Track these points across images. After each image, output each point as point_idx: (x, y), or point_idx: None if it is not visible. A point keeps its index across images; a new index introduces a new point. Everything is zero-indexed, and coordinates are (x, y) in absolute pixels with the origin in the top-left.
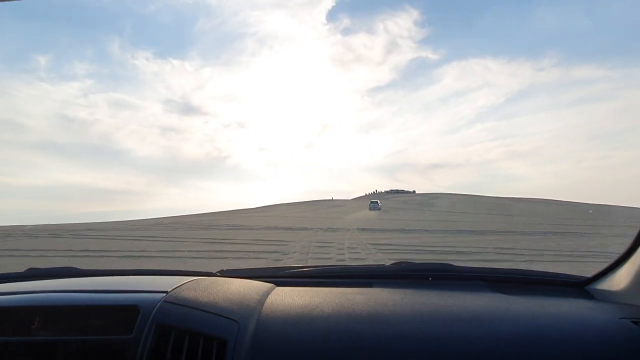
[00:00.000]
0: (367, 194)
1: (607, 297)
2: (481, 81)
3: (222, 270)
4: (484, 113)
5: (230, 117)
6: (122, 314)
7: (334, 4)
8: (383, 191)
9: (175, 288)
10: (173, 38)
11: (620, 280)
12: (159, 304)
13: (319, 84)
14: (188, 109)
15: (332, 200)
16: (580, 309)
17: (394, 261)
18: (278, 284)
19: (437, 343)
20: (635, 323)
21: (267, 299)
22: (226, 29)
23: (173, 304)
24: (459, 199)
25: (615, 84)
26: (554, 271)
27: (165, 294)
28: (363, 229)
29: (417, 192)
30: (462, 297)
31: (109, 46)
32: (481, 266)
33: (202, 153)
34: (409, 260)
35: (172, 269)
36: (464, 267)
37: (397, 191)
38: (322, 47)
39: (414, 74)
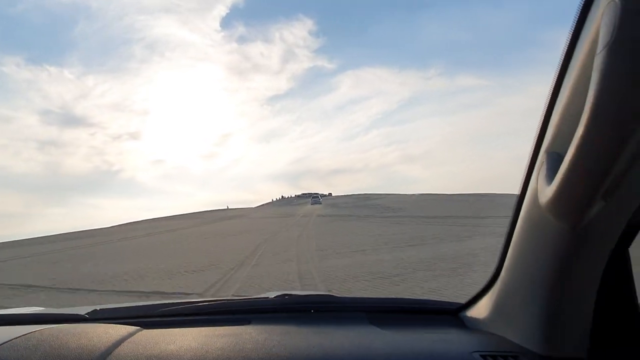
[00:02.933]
0: (275, 199)
1: (476, 325)
2: (375, 89)
3: (94, 311)
4: (379, 119)
5: (120, 128)
6: None
7: (227, 12)
8: (293, 195)
9: None
10: (48, 42)
11: (485, 307)
12: None
13: (217, 93)
14: (70, 120)
15: (227, 209)
16: (445, 341)
17: None
18: (147, 326)
19: None
20: (484, 357)
21: (117, 350)
22: (110, 33)
23: None
24: (399, 199)
25: (491, 91)
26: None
27: None
28: None
29: (332, 194)
30: (343, 333)
31: None
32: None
33: (90, 168)
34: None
35: (44, 310)
36: (346, 297)
37: (310, 194)
38: (217, 54)
39: (311, 83)
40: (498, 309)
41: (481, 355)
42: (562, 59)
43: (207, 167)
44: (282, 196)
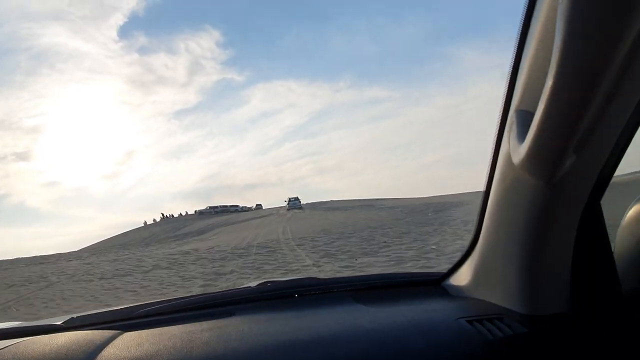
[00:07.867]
0: (158, 219)
1: (459, 292)
2: (286, 102)
3: (70, 319)
4: (291, 132)
5: (5, 147)
6: None
7: (125, 20)
8: (194, 212)
9: None
10: None
11: (467, 273)
12: None
13: (118, 107)
14: None
15: None
16: (429, 311)
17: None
18: (127, 328)
19: None
20: (470, 323)
21: (98, 356)
22: None
23: None
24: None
25: (397, 103)
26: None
27: None
28: None
29: (261, 206)
30: (327, 314)
31: None
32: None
33: None
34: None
35: (18, 323)
36: (329, 278)
37: (224, 208)
38: (116, 66)
39: (221, 96)
40: (479, 273)
41: (466, 321)
42: (525, 11)
43: (111, 188)
44: (164, 215)
